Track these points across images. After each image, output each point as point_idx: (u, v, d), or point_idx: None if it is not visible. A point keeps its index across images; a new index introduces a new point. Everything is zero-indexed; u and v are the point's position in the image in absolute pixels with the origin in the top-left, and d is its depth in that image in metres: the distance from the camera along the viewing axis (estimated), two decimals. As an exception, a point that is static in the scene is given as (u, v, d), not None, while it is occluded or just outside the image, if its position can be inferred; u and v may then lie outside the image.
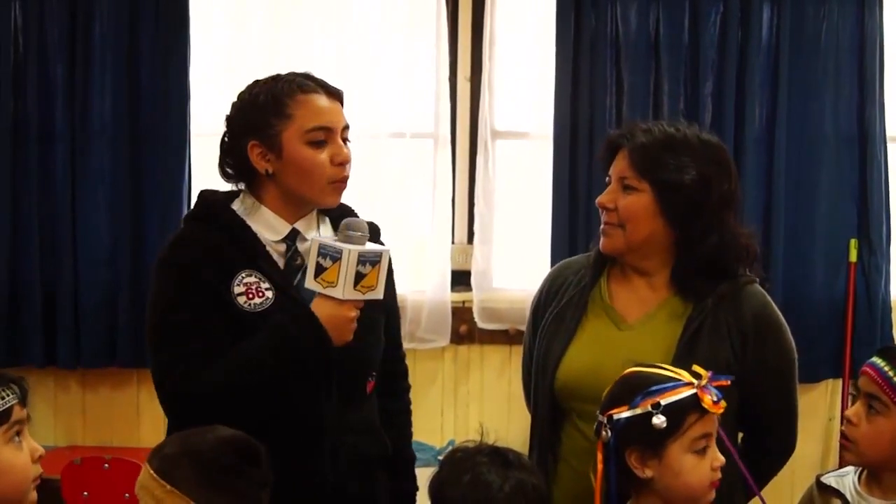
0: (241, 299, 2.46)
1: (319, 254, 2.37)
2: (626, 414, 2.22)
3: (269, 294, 2.48)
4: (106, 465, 4.25)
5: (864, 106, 4.73)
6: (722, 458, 2.24)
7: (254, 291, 2.47)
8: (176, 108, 4.61)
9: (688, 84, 4.70)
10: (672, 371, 2.26)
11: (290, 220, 2.56)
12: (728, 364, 2.49)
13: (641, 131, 2.57)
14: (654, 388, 2.21)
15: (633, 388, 2.24)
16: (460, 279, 4.87)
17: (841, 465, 4.57)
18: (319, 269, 2.38)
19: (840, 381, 4.84)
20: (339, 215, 2.60)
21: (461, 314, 4.82)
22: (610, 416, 2.23)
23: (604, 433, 2.24)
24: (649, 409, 2.18)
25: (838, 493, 2.55)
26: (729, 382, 2.26)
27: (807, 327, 4.70)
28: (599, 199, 2.59)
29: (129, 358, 4.68)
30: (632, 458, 2.23)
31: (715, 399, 2.20)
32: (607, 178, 2.61)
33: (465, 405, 4.80)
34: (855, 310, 4.78)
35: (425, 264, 4.82)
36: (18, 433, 2.10)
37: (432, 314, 4.78)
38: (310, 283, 2.40)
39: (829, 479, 2.59)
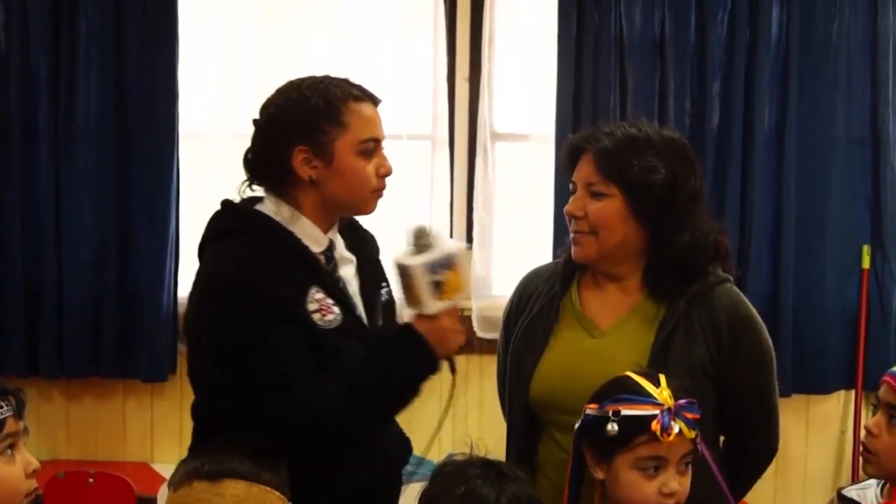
0: (316, 317, 2.40)
1: (400, 274, 2.40)
2: (592, 412, 2.27)
3: (336, 310, 2.43)
4: (90, 479, 4.37)
5: (877, 107, 4.65)
6: (675, 487, 2.23)
7: (325, 308, 2.41)
8: (164, 108, 4.56)
9: (694, 84, 4.64)
10: (657, 387, 2.25)
11: (324, 230, 2.51)
12: (704, 366, 2.47)
13: (604, 134, 2.54)
14: (625, 395, 2.24)
15: (611, 389, 2.28)
16: (458, 286, 4.75)
17: (854, 478, 4.53)
18: (407, 292, 2.40)
19: (853, 393, 4.76)
20: (345, 224, 2.61)
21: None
22: (585, 409, 2.29)
23: (576, 424, 2.30)
24: (609, 414, 2.22)
25: None
26: (698, 416, 2.24)
27: (818, 337, 4.69)
28: (567, 208, 2.56)
29: (114, 367, 4.63)
30: (588, 455, 2.30)
31: (667, 428, 2.19)
32: (571, 186, 2.58)
33: (464, 418, 4.72)
34: (868, 318, 4.70)
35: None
36: (12, 446, 2.07)
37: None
38: (402, 310, 2.46)
39: (851, 493, 2.55)
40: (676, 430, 2.19)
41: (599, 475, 2.27)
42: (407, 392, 2.43)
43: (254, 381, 2.33)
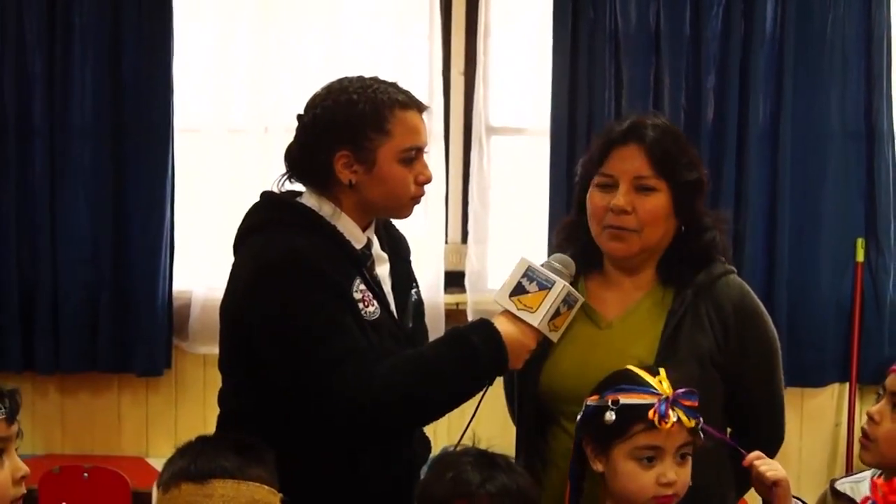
0: (360, 306, 2.41)
1: (525, 275, 2.40)
2: (592, 403, 2.28)
3: (376, 303, 2.44)
4: (85, 474, 4.29)
5: (872, 101, 4.65)
6: (673, 477, 2.23)
7: (368, 300, 2.43)
8: (159, 103, 4.53)
9: (689, 78, 4.62)
10: (656, 378, 2.26)
11: (363, 229, 2.52)
12: (712, 356, 2.47)
13: (651, 127, 2.49)
14: (624, 386, 2.25)
15: (611, 381, 2.29)
16: (454, 280, 4.78)
17: (849, 471, 4.53)
18: (519, 290, 2.40)
19: (847, 386, 4.76)
20: (380, 223, 2.62)
21: (455, 316, 4.71)
22: (585, 402, 2.30)
23: (577, 417, 2.31)
24: (609, 403, 2.23)
25: (854, 502, 2.50)
26: (696, 404, 2.24)
27: (813, 330, 4.69)
28: (617, 203, 2.45)
29: (109, 362, 4.61)
30: (588, 449, 2.30)
31: (664, 416, 2.19)
32: (605, 178, 2.49)
33: (459, 412, 4.62)
34: (862, 312, 4.70)
35: (418, 265, 4.63)
36: (1, 451, 2.04)
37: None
38: (502, 298, 2.41)
39: (845, 486, 2.56)
40: (674, 418, 2.20)
41: (599, 468, 2.28)
42: (469, 381, 2.39)
43: (314, 359, 2.33)
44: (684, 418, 2.21)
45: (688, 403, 2.23)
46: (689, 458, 2.27)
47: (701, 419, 2.25)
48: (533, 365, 2.53)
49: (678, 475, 2.24)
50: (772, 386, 2.61)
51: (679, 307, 2.48)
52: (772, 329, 2.59)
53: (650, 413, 2.19)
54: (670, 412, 2.20)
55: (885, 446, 2.40)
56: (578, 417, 2.31)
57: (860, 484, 2.53)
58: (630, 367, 2.31)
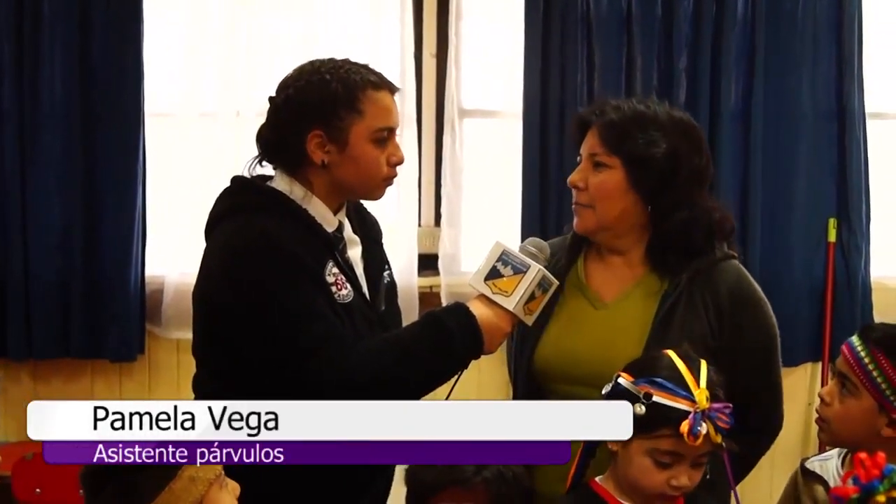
0: (333, 289, 2.42)
1: (500, 259, 2.42)
2: (625, 383, 2.22)
3: (349, 287, 2.45)
4: None
5: (843, 82, 4.68)
6: (685, 482, 2.20)
7: (340, 283, 2.44)
8: (130, 87, 4.48)
9: (661, 59, 4.63)
10: (696, 378, 2.20)
11: (334, 211, 2.52)
12: (705, 341, 2.47)
13: (612, 108, 2.56)
14: (662, 381, 2.19)
15: (652, 367, 2.24)
16: (427, 263, 4.79)
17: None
18: (494, 274, 2.41)
19: (819, 365, 4.80)
20: (351, 206, 2.63)
21: (429, 300, 4.71)
22: (618, 376, 2.24)
23: (605, 388, 2.25)
24: (641, 394, 2.17)
25: (822, 480, 2.53)
26: (728, 427, 2.19)
27: (785, 309, 4.60)
28: (571, 179, 2.58)
29: (82, 348, 4.57)
30: None
31: (695, 433, 2.12)
32: (578, 158, 2.60)
33: (433, 397, 4.65)
34: (834, 291, 4.74)
35: (391, 248, 4.62)
36: None
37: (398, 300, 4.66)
38: (477, 282, 2.43)
39: (814, 465, 2.59)
40: (703, 431, 2.14)
41: (613, 447, 2.24)
42: (445, 365, 2.40)
43: (290, 343, 2.33)
44: (713, 433, 2.15)
45: (721, 423, 2.16)
46: (703, 464, 2.23)
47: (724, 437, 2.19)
48: (527, 343, 2.58)
49: (691, 479, 2.20)
50: (769, 373, 2.63)
51: (672, 291, 2.50)
52: (770, 316, 2.60)
53: (682, 426, 2.12)
54: (701, 428, 2.13)
55: (837, 426, 2.44)
56: (606, 391, 2.24)
57: (828, 462, 2.56)
58: (671, 353, 2.26)
